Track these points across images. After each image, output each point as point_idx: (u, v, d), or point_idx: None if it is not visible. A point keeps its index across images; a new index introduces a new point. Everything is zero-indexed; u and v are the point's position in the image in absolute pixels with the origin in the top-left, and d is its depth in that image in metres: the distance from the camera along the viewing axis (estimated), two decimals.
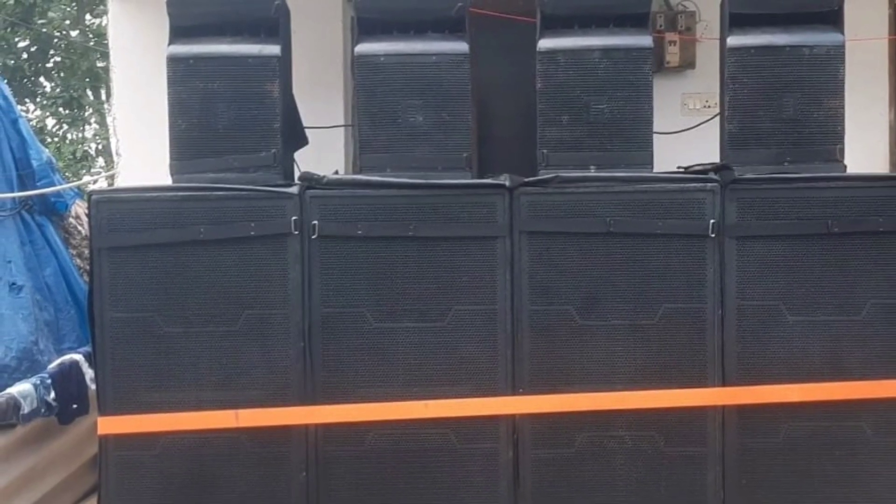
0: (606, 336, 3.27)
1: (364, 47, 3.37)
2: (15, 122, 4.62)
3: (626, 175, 3.29)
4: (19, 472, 3.81)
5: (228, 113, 3.33)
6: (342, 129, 4.83)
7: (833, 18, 3.34)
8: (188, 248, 3.25)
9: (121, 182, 5.01)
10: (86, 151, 15.60)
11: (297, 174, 3.44)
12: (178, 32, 3.38)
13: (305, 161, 3.72)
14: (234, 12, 3.39)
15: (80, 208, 4.95)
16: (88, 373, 4.07)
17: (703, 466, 3.28)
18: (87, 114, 16.11)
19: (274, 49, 3.36)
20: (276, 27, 3.40)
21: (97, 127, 16.25)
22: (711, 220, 3.22)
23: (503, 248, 3.25)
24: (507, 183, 3.25)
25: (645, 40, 3.34)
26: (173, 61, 3.35)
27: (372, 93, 3.35)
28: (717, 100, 3.60)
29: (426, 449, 3.28)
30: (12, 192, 4.51)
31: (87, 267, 3.78)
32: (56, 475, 4.11)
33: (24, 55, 15.53)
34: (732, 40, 3.33)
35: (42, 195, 4.67)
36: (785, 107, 3.31)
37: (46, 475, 4.03)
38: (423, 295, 3.26)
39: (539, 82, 3.33)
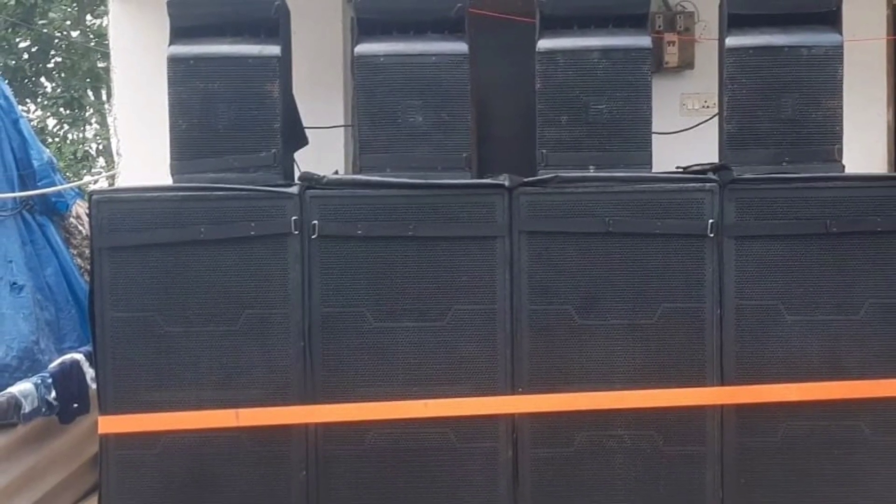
0: (605, 336, 3.27)
1: (364, 48, 3.38)
2: (16, 122, 4.63)
3: (625, 175, 3.30)
4: (20, 471, 3.82)
5: (229, 113, 3.34)
6: (342, 129, 4.84)
7: (831, 19, 3.35)
8: (188, 248, 3.26)
9: (121, 182, 5.02)
10: (86, 151, 15.62)
11: (297, 174, 3.45)
12: (179, 33, 3.39)
13: (305, 161, 3.73)
14: (234, 13, 3.40)
15: (80, 208, 4.96)
16: (89, 372, 4.08)
17: (702, 465, 3.29)
18: (87, 114, 16.12)
19: (274, 49, 3.37)
20: (276, 28, 3.40)
21: (98, 127, 16.27)
22: (710, 220, 3.23)
23: (502, 247, 3.26)
24: (507, 183, 3.26)
25: (644, 41, 3.35)
26: (174, 62, 3.35)
27: (372, 93, 3.36)
28: (716, 100, 3.61)
29: (426, 448, 3.29)
30: (13, 191, 4.52)
31: (88, 266, 3.79)
32: (57, 474, 4.11)
33: (25, 55, 15.53)
34: (731, 41, 3.34)
35: (43, 195, 4.68)
36: (783, 107, 3.31)
37: (47, 474, 4.04)
38: (422, 294, 3.27)
39: (538, 82, 3.34)
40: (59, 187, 4.83)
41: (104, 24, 14.25)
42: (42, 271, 4.55)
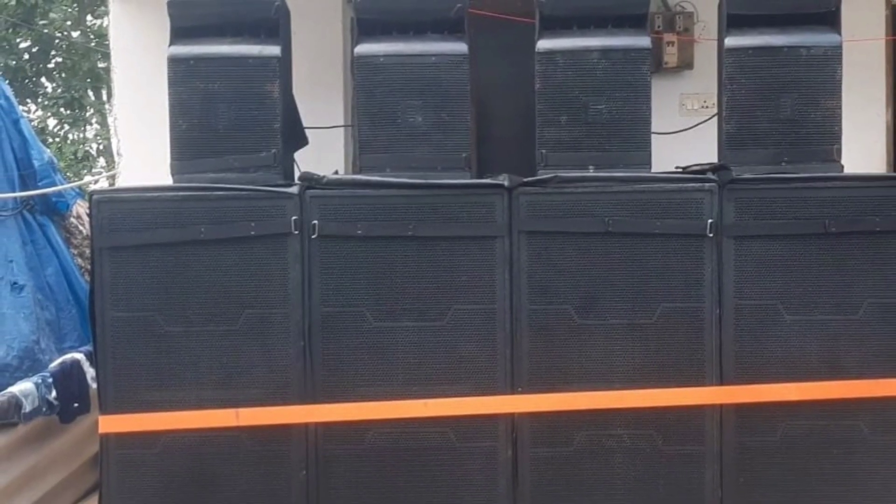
0: (605, 335, 3.28)
1: (364, 48, 3.38)
2: (16, 122, 4.64)
3: (624, 175, 3.30)
4: (21, 470, 3.83)
5: (229, 113, 3.34)
6: (342, 129, 4.84)
7: (830, 19, 3.36)
8: (189, 248, 3.26)
9: (122, 182, 5.02)
10: (87, 151, 15.64)
11: (297, 174, 3.46)
12: (179, 33, 3.40)
13: (305, 161, 3.74)
14: (234, 13, 3.40)
15: (81, 208, 4.96)
16: (89, 372, 4.08)
17: (701, 465, 3.29)
18: (88, 114, 16.14)
19: (274, 50, 3.38)
20: (276, 28, 3.41)
21: (98, 127, 16.28)
22: (709, 220, 3.24)
23: (502, 247, 3.27)
24: (506, 183, 3.26)
25: (643, 41, 3.36)
26: (174, 62, 3.36)
27: (371, 93, 3.36)
28: (715, 100, 3.61)
29: (425, 447, 3.29)
30: (14, 191, 4.53)
31: (89, 266, 3.79)
32: (57, 474, 4.12)
33: (26, 56, 15.56)
34: (730, 41, 3.35)
35: (43, 195, 4.69)
36: (782, 107, 3.32)
37: (48, 474, 4.05)
38: (422, 294, 3.27)
39: (538, 83, 3.34)
40: (60, 187, 4.83)
41: (105, 25, 14.25)
42: (43, 271, 4.55)
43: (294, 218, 3.25)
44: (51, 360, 4.21)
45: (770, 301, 3.26)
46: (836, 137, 3.33)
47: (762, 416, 3.27)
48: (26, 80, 15.46)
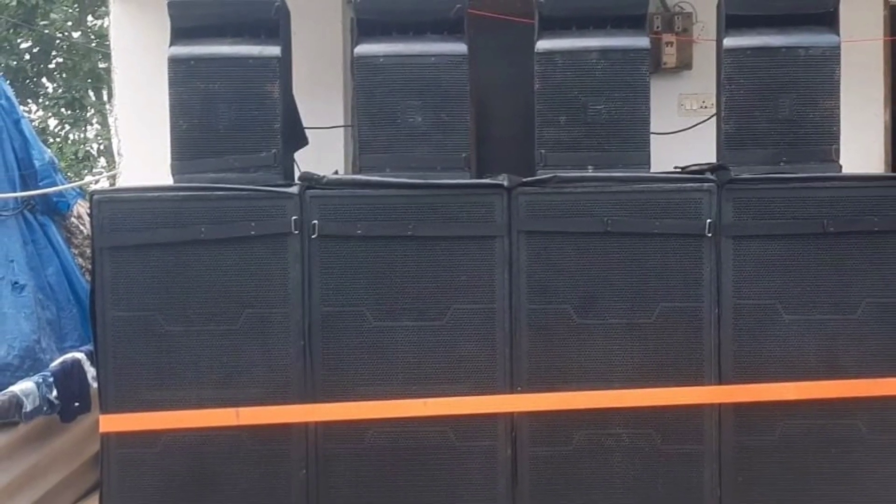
0: (604, 335, 3.29)
1: (363, 48, 3.39)
2: (17, 122, 4.65)
3: (623, 175, 3.31)
4: (22, 469, 3.84)
5: (229, 113, 3.35)
6: (342, 129, 4.86)
7: (829, 20, 3.36)
8: (189, 248, 3.27)
9: (122, 182, 5.04)
10: (87, 152, 15.65)
11: (297, 174, 3.46)
12: (179, 34, 3.41)
13: (305, 161, 3.75)
14: (234, 14, 3.41)
15: (81, 208, 4.97)
16: (90, 371, 4.09)
17: (700, 464, 3.30)
18: (88, 114, 16.15)
19: (274, 50, 3.38)
20: (276, 28, 3.42)
21: (99, 127, 16.30)
22: (708, 220, 3.25)
23: (501, 247, 3.27)
24: (506, 183, 3.27)
25: (642, 41, 3.36)
26: (174, 62, 3.37)
27: (371, 93, 3.37)
28: (714, 100, 3.62)
29: (425, 447, 3.30)
30: (15, 191, 4.53)
31: (89, 266, 3.80)
32: (58, 473, 4.13)
33: (27, 56, 15.58)
34: (729, 41, 3.36)
35: (44, 195, 4.69)
36: (781, 107, 3.33)
37: (48, 473, 4.05)
38: (422, 294, 3.28)
39: (537, 83, 3.35)
40: (61, 187, 4.84)
41: (105, 25, 14.27)
42: (43, 271, 4.56)
43: (294, 218, 3.25)
44: (52, 360, 4.22)
45: (769, 301, 3.27)
46: (834, 137, 3.34)
47: (761, 416, 3.28)
48: (27, 81, 15.48)
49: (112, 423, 3.28)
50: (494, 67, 4.80)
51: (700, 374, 3.28)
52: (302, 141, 3.82)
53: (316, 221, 3.26)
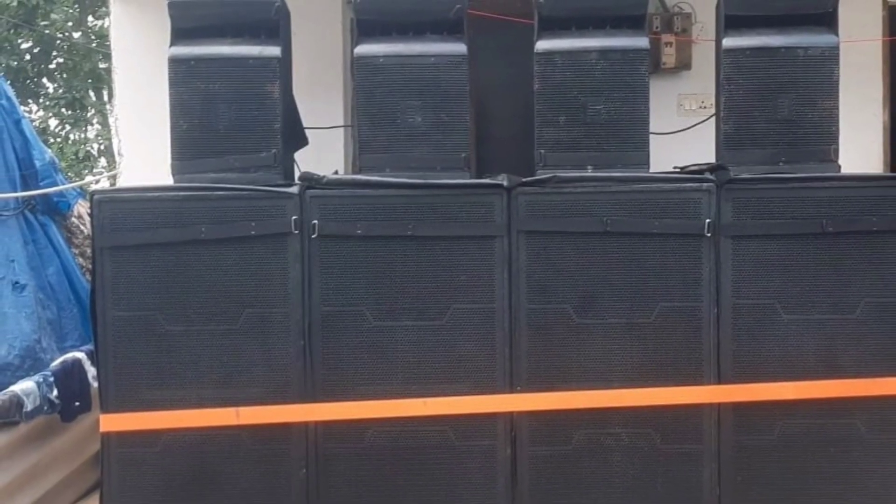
0: (603, 334, 3.29)
1: (363, 48, 3.40)
2: (18, 122, 4.65)
3: (622, 175, 3.31)
4: (22, 469, 3.84)
5: (229, 113, 3.36)
6: (342, 129, 4.86)
7: (827, 20, 3.37)
8: (189, 248, 3.28)
9: (123, 182, 5.05)
10: (88, 152, 15.67)
11: (297, 174, 3.47)
12: (180, 34, 3.41)
13: (305, 161, 3.75)
14: (234, 14, 3.42)
15: (82, 208, 4.98)
16: (91, 371, 4.10)
17: (699, 463, 3.30)
18: (89, 114, 16.17)
19: (274, 50, 3.39)
20: (276, 29, 3.42)
21: (99, 127, 16.32)
22: (707, 220, 3.25)
23: (501, 247, 3.28)
24: (505, 183, 3.27)
25: (641, 42, 3.37)
26: (175, 62, 3.38)
27: (371, 94, 3.38)
28: (713, 100, 3.63)
29: (425, 446, 3.31)
30: (15, 191, 4.54)
31: (90, 266, 3.82)
32: (58, 472, 4.14)
33: (27, 56, 15.59)
34: (728, 42, 3.36)
35: (45, 195, 4.70)
36: (780, 107, 3.33)
37: (49, 472, 4.06)
38: (421, 294, 3.29)
39: (536, 83, 3.36)
40: (61, 187, 4.85)
41: (106, 26, 14.29)
42: (44, 270, 4.57)
43: (294, 218, 3.26)
44: (52, 359, 4.23)
45: (767, 300, 3.27)
46: (833, 138, 3.35)
47: (760, 415, 3.28)
48: (28, 81, 15.49)
49: (112, 422, 3.29)
50: (494, 68, 4.81)
51: (699, 373, 3.28)
52: (302, 141, 3.83)
53: (316, 221, 3.27)
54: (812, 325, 3.27)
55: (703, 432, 3.30)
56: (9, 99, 4.64)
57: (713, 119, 3.60)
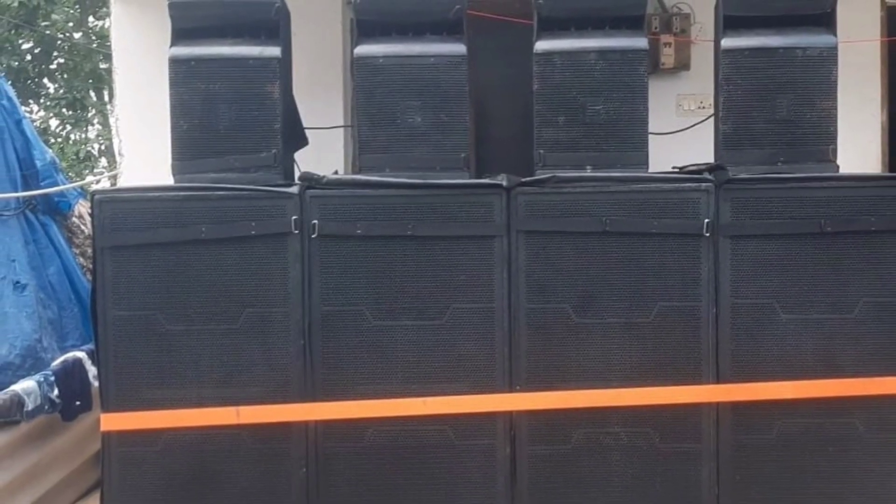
0: (602, 334, 3.30)
1: (363, 49, 3.41)
2: (19, 122, 4.66)
3: (621, 175, 3.32)
4: (23, 468, 3.85)
5: (229, 114, 3.36)
6: (342, 129, 4.87)
7: (826, 20, 3.37)
8: (190, 247, 3.28)
9: (123, 182, 5.06)
10: (89, 152, 15.67)
11: (297, 174, 3.48)
12: (180, 34, 3.42)
13: (305, 161, 3.76)
14: (234, 15, 3.42)
15: (83, 208, 4.98)
16: (91, 370, 4.11)
17: (698, 462, 3.31)
18: (89, 115, 16.18)
19: (274, 51, 3.40)
20: (276, 29, 3.43)
21: (100, 128, 16.34)
22: (706, 220, 3.26)
23: (500, 247, 3.29)
24: (505, 183, 3.28)
25: (640, 42, 3.38)
26: (175, 63, 3.38)
27: (371, 94, 3.38)
28: (712, 101, 3.64)
29: (424, 445, 3.31)
30: (16, 191, 4.55)
31: (90, 265, 3.82)
32: (59, 471, 4.14)
33: (28, 57, 15.61)
34: (726, 42, 3.37)
35: (46, 195, 4.70)
36: (778, 108, 3.34)
37: (50, 471, 4.07)
38: (421, 293, 3.29)
39: (536, 83, 3.37)
40: (62, 187, 4.85)
41: (106, 26, 14.30)
42: (45, 270, 4.57)
43: (294, 218, 3.27)
44: (53, 359, 4.23)
45: (766, 300, 3.28)
46: (831, 138, 3.35)
47: (758, 414, 3.29)
48: (29, 81, 15.51)
49: (113, 421, 3.30)
50: (493, 68, 4.81)
51: (698, 373, 3.29)
52: (302, 141, 3.84)
53: (316, 221, 3.28)
54: (810, 324, 3.28)
55: (701, 431, 3.31)
56: (10, 99, 4.64)
57: (712, 119, 3.61)
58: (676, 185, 3.32)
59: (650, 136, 3.41)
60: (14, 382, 3.87)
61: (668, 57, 4.94)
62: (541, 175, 3.32)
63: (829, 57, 3.33)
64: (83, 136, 16.23)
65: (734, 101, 3.36)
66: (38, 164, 4.69)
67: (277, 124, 3.39)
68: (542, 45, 3.37)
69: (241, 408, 3.28)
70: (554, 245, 3.29)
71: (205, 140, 3.38)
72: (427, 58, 3.37)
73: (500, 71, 4.87)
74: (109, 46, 5.38)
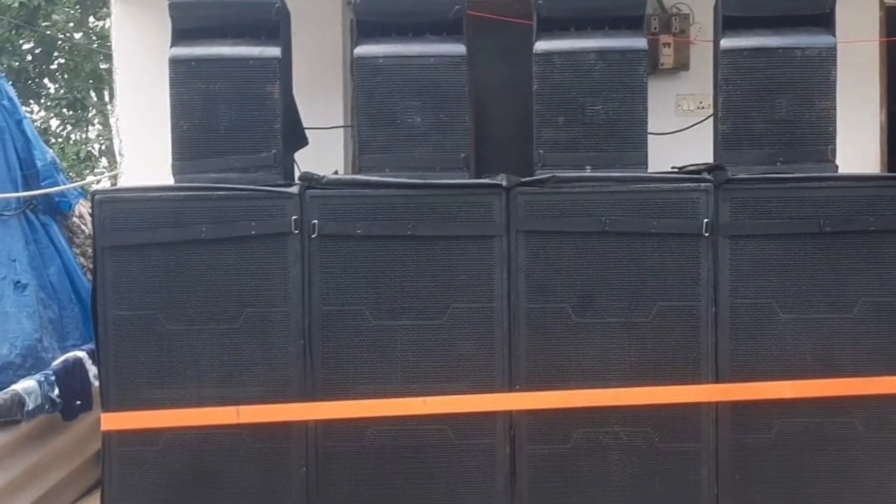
0: (602, 333, 3.30)
1: (363, 49, 3.41)
2: (19, 122, 4.67)
3: (621, 175, 3.33)
4: (23, 467, 3.86)
5: (229, 114, 3.37)
6: (342, 129, 4.88)
7: (825, 21, 3.38)
8: (190, 247, 3.29)
9: (123, 182, 5.07)
10: (89, 152, 15.67)
11: (297, 174, 3.48)
12: (180, 35, 3.43)
13: (305, 161, 3.77)
14: (235, 15, 3.43)
15: (83, 208, 4.99)
16: (92, 370, 4.12)
17: (697, 462, 3.32)
18: (90, 115, 16.18)
19: (274, 51, 3.40)
20: (276, 29, 3.44)
21: (100, 128, 16.33)
22: (705, 220, 3.26)
23: (500, 246, 3.29)
24: (504, 183, 3.29)
25: (639, 42, 3.38)
26: (175, 63, 3.39)
27: (371, 94, 3.39)
28: (711, 101, 3.64)
29: (424, 445, 3.32)
30: (17, 191, 4.55)
31: (91, 265, 3.83)
32: (60, 471, 4.15)
33: (29, 57, 15.61)
34: (726, 42, 3.38)
35: (46, 195, 4.71)
36: (777, 108, 3.34)
37: (50, 471, 4.07)
38: (421, 293, 3.30)
39: (535, 84, 3.37)
40: (63, 187, 4.86)
41: (107, 26, 14.31)
42: (45, 270, 4.58)
43: (294, 217, 3.27)
44: (53, 359, 4.24)
45: (765, 300, 3.29)
46: (830, 138, 3.36)
47: (757, 414, 3.30)
48: (29, 82, 15.51)
49: (113, 421, 3.31)
50: (493, 68, 4.82)
51: (697, 372, 3.30)
52: (302, 141, 3.84)
53: (316, 221, 3.28)
54: (809, 324, 3.28)
55: (701, 431, 3.31)
56: (10, 99, 4.65)
57: (711, 119, 3.61)
58: (676, 185, 3.32)
59: (649, 136, 3.42)
60: (14, 382, 3.88)
61: (667, 57, 4.95)
62: (540, 175, 3.33)
63: (828, 57, 3.34)
64: (84, 136, 16.23)
65: (733, 102, 3.37)
66: (39, 164, 4.70)
67: (277, 124, 3.39)
68: (541, 46, 3.38)
69: (241, 407, 3.28)
70: (553, 245, 3.30)
71: (205, 140, 3.39)
72: (427, 58, 3.38)
73: (500, 71, 4.88)
74: (110, 47, 5.39)
